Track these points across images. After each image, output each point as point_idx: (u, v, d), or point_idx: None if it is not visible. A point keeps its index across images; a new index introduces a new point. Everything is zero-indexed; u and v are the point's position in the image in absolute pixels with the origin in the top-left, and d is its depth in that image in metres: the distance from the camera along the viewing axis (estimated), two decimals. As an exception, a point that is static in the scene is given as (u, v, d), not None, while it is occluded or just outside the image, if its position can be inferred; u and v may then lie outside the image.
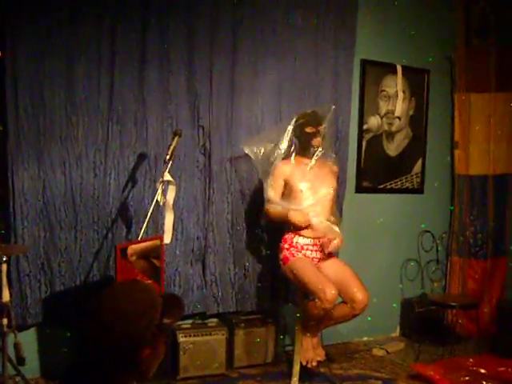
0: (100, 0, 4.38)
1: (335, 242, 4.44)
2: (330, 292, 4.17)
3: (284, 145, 4.58)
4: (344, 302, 4.37)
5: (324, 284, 4.22)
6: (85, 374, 1.78)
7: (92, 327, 1.77)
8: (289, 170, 4.54)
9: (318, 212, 4.45)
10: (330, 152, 4.72)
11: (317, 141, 4.53)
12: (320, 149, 4.53)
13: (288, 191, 4.53)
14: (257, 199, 4.92)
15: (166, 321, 1.84)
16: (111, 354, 1.75)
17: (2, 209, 4.21)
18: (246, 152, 4.62)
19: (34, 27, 4.17)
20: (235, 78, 4.90)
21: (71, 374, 1.82)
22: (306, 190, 4.50)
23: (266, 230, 5.02)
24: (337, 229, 4.45)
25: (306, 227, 4.44)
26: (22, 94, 4.18)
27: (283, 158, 4.57)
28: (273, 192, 4.51)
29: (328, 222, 4.44)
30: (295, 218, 4.41)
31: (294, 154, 4.56)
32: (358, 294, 4.31)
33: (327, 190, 4.57)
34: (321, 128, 4.53)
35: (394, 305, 5.98)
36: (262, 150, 4.59)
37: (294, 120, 4.59)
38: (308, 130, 4.52)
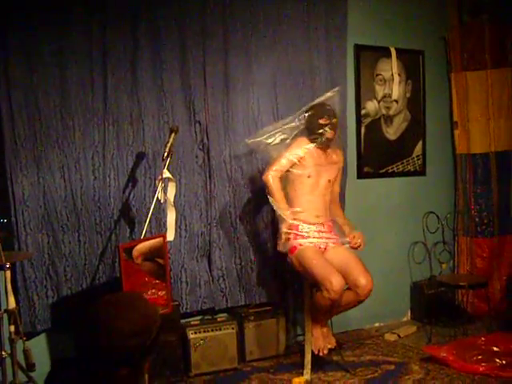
0: (89, 1, 4.36)
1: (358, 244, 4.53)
2: (337, 282, 4.17)
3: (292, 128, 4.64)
4: (348, 288, 4.37)
5: (331, 274, 4.22)
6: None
7: (82, 332, 1.78)
8: (306, 148, 4.53)
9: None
10: (338, 142, 4.78)
11: (330, 133, 4.53)
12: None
13: (295, 173, 4.52)
14: (259, 191, 4.91)
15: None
16: (91, 362, 1.74)
17: (3, 216, 4.21)
18: (249, 143, 4.67)
19: (24, 32, 4.15)
20: (229, 71, 4.88)
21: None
22: (312, 177, 4.51)
23: (270, 221, 5.01)
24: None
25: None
26: (15, 100, 4.16)
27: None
28: (285, 161, 4.48)
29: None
30: (284, 223, 4.43)
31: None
32: (361, 279, 4.31)
33: (327, 181, 4.61)
34: (334, 120, 4.55)
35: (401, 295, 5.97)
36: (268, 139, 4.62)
37: (306, 110, 4.61)
38: (322, 121, 4.52)
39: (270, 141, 4.59)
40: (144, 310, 1.84)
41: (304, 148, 4.50)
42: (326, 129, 4.50)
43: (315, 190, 4.53)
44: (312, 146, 4.51)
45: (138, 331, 1.74)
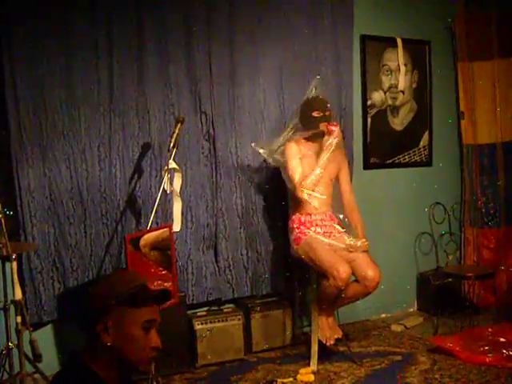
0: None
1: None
2: (344, 270, 4.20)
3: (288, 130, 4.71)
4: (356, 280, 4.39)
5: (337, 262, 4.24)
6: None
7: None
8: (299, 149, 4.55)
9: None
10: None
11: (324, 125, 4.52)
12: (334, 139, 4.50)
13: None
14: (265, 181, 4.91)
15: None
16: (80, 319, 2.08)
17: (9, 208, 4.20)
18: (258, 150, 4.69)
19: (30, 23, 4.15)
20: (235, 62, 4.86)
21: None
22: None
23: (276, 212, 4.99)
24: None
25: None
26: (21, 91, 4.16)
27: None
28: (297, 175, 4.48)
29: None
30: None
31: (301, 137, 4.60)
32: (370, 272, 4.33)
33: (329, 179, 4.64)
34: (328, 113, 4.54)
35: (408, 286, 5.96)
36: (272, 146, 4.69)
37: (300, 105, 4.64)
38: (315, 114, 4.52)
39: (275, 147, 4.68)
40: (129, 272, 2.24)
41: (297, 152, 4.54)
42: (320, 121, 4.52)
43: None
44: (302, 146, 4.57)
45: (114, 282, 2.08)
